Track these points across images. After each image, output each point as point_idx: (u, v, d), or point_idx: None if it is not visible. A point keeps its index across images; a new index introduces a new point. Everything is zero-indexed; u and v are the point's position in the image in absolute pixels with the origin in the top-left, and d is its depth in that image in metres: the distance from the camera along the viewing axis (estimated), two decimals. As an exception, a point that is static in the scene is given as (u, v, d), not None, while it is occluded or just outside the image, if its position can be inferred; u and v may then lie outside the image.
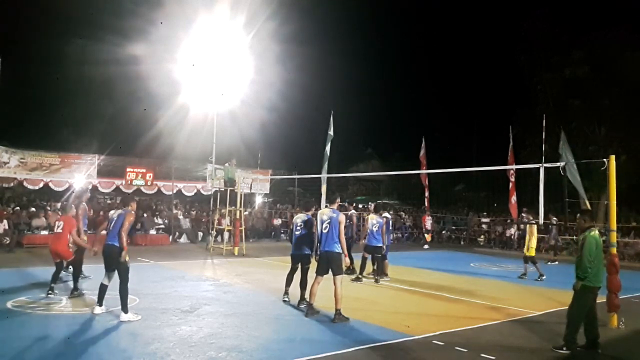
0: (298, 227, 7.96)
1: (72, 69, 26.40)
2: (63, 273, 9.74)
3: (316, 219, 7.65)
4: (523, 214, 13.60)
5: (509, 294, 10.15)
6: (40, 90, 28.04)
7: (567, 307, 6.34)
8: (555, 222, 17.89)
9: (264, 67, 19.62)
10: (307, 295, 7.69)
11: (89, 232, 16.42)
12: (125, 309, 6.77)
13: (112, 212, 7.44)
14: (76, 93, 27.69)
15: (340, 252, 7.25)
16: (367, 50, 50.34)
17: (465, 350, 5.92)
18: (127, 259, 7.00)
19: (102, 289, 7.10)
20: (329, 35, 39.57)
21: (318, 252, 7.40)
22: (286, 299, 8.22)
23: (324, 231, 7.26)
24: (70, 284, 9.15)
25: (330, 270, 7.22)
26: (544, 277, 11.98)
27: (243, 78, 18.37)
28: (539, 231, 20.54)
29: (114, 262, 6.93)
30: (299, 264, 8.13)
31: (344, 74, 38.76)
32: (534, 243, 12.36)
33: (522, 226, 21.10)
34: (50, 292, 8.32)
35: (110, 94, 27.79)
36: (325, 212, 7.43)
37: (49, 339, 5.88)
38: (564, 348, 6.04)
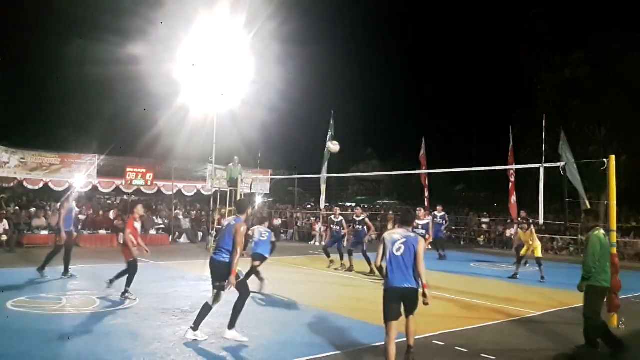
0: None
1: (72, 69, 26.48)
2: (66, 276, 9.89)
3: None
4: (522, 217, 12.93)
5: (509, 294, 10.13)
6: (40, 90, 28.10)
7: (567, 307, 6.36)
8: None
9: (264, 67, 19.58)
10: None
11: (84, 231, 16.64)
12: (232, 324, 6.04)
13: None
14: (76, 93, 27.72)
15: (417, 287, 5.34)
16: (367, 50, 50.47)
17: (465, 350, 5.92)
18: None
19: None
20: (329, 35, 39.72)
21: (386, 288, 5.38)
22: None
23: (396, 253, 5.27)
24: (68, 285, 9.19)
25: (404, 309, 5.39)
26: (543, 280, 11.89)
27: (243, 78, 18.34)
28: (538, 231, 20.77)
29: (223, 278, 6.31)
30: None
31: (344, 74, 38.85)
32: (538, 243, 12.21)
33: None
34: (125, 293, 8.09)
35: (110, 94, 27.83)
36: (397, 232, 5.51)
37: (49, 339, 5.87)
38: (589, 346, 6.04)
